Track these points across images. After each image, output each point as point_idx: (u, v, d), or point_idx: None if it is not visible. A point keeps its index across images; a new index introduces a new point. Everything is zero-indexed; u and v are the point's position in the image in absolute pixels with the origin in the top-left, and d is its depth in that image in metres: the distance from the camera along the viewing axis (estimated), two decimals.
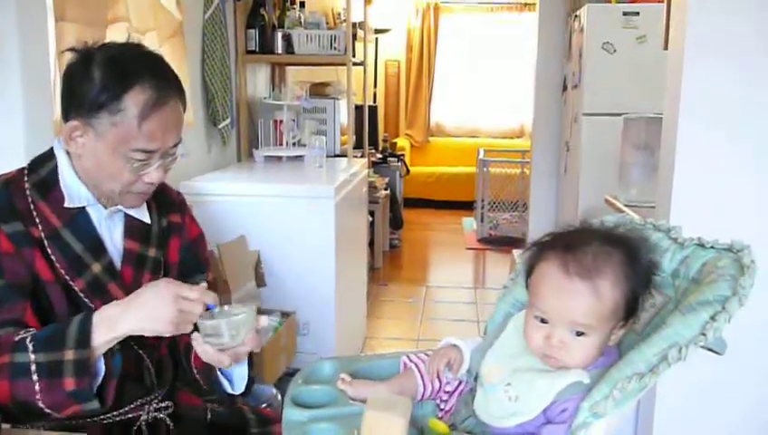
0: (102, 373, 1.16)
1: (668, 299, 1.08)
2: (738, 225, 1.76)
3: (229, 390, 1.35)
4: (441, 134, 8.39)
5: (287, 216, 2.69)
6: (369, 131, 5.13)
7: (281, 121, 3.43)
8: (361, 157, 4.32)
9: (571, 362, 1.02)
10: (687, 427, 2.00)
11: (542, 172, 4.55)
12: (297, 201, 2.69)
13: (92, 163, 1.26)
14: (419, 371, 1.17)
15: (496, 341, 1.13)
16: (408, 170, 6.79)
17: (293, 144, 3.45)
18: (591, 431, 0.95)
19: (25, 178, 1.28)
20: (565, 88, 4.13)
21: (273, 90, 3.64)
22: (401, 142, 7.74)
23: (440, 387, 1.18)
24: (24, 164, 1.32)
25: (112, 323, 1.14)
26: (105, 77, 1.20)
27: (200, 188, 2.71)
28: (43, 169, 1.29)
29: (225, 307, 1.24)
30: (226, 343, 1.18)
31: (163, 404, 1.37)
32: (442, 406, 1.18)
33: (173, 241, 1.44)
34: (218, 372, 1.32)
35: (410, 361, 1.19)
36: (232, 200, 2.72)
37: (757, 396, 1.98)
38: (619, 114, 2.51)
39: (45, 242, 1.24)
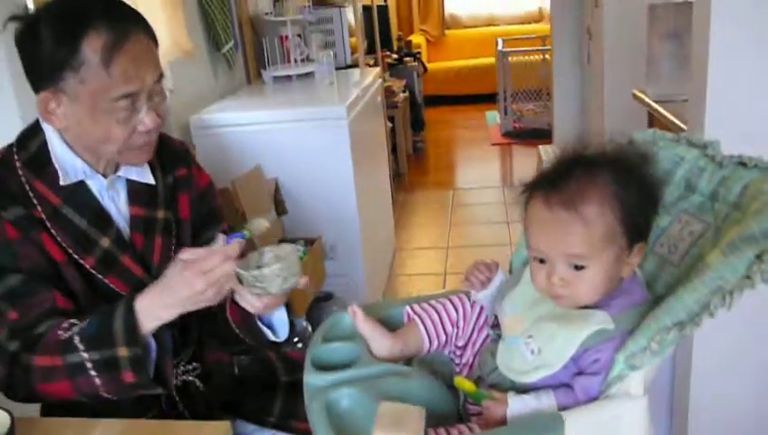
0: (155, 351, 1.16)
1: (707, 226, 0.99)
2: None
3: (272, 337, 1.30)
4: (457, 26, 8.09)
5: (301, 140, 2.61)
6: (381, 33, 4.93)
7: (286, 38, 3.28)
8: (374, 64, 4.16)
9: (579, 298, 0.95)
10: (727, 369, 1.89)
11: (564, 61, 4.34)
12: (309, 124, 2.60)
13: (79, 132, 1.19)
14: (423, 323, 1.11)
15: (515, 289, 1.05)
16: (425, 68, 6.58)
17: (302, 60, 3.31)
18: (628, 383, 0.89)
19: (15, 157, 1.20)
20: None
21: (276, 4, 3.47)
22: (416, 39, 7.46)
23: (447, 339, 1.12)
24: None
25: (154, 313, 1.12)
26: (54, 34, 1.11)
27: (211, 121, 2.62)
28: (32, 145, 1.22)
29: (266, 250, 1.20)
30: (275, 287, 1.14)
31: (190, 366, 1.35)
32: (457, 360, 1.13)
33: (182, 197, 1.37)
34: (258, 322, 1.28)
35: (414, 312, 1.12)
36: (244, 130, 2.63)
37: None
38: None
39: (48, 223, 1.18)
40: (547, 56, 5.54)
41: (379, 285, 3.23)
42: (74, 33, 1.11)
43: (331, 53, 3.25)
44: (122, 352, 1.09)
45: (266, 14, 3.44)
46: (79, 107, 1.15)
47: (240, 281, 1.13)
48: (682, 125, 1.81)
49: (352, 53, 3.83)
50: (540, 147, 4.26)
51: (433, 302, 1.14)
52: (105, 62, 1.11)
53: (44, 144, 1.21)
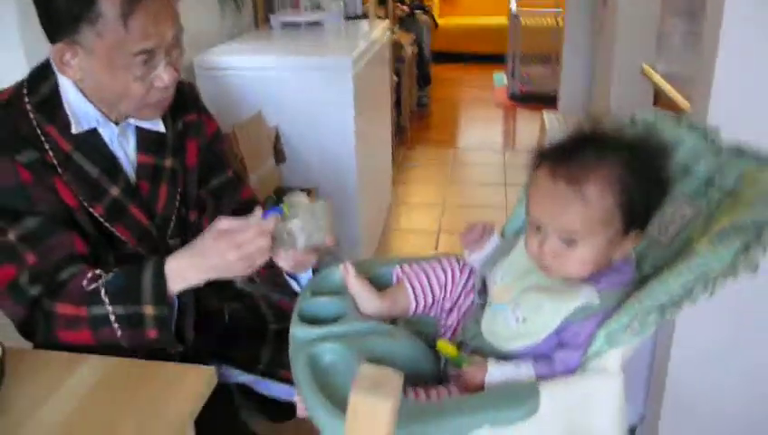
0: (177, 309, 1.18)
1: (699, 211, 1.00)
2: None
3: (296, 288, 1.31)
4: None
5: (305, 89, 2.59)
6: None
7: None
8: (385, 16, 4.10)
9: (567, 272, 0.97)
10: (705, 363, 1.91)
11: (575, 27, 4.29)
12: (314, 73, 2.57)
13: (95, 85, 1.17)
14: (411, 284, 1.12)
15: (506, 258, 1.07)
16: (436, 24, 6.49)
17: (312, 8, 3.27)
18: (605, 359, 0.91)
19: (26, 100, 1.17)
20: None
21: None
22: None
23: (433, 302, 1.13)
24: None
25: (184, 274, 1.13)
26: None
27: (215, 63, 2.60)
28: (43, 87, 1.19)
29: (295, 197, 1.20)
30: (301, 242, 1.17)
31: None
32: (442, 322, 1.14)
33: (190, 144, 1.36)
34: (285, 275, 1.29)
35: (403, 272, 1.14)
36: (248, 74, 2.60)
37: None
38: None
39: (59, 169, 1.17)
40: (560, 20, 5.46)
41: (373, 239, 3.25)
42: None
43: (342, 2, 3.20)
44: (148, 309, 1.11)
45: None
46: (95, 60, 1.12)
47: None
48: (686, 103, 1.80)
49: (363, 3, 3.78)
50: (544, 112, 4.24)
51: (423, 263, 1.15)
52: (123, 16, 1.08)
53: (56, 88, 1.19)
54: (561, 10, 5.02)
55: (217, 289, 1.36)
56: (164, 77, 1.17)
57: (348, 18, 3.46)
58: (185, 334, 1.20)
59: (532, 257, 1.00)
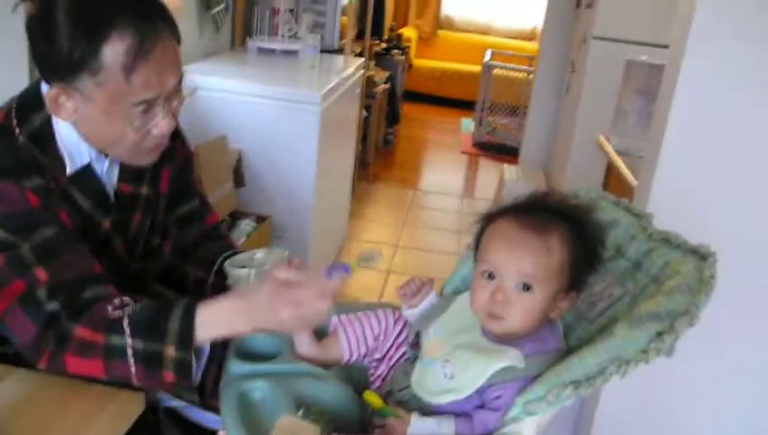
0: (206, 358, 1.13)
1: (626, 292, 1.06)
2: (727, 187, 1.71)
3: None
4: (450, 27, 8.12)
5: (272, 117, 2.62)
6: (374, 20, 4.92)
7: (278, 11, 3.28)
8: (360, 54, 4.17)
9: (514, 320, 1.01)
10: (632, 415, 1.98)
11: (544, 86, 4.43)
12: (282, 104, 2.61)
13: (90, 129, 1.11)
14: (346, 335, 1.15)
15: (442, 315, 1.11)
16: (410, 65, 6.60)
17: (289, 37, 3.31)
18: (521, 426, 0.95)
19: (16, 129, 1.09)
20: (579, 4, 3.93)
21: None
22: (408, 32, 7.48)
23: (366, 353, 1.17)
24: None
25: (219, 326, 1.06)
26: (73, 30, 1.01)
27: (186, 81, 2.60)
28: (35, 119, 1.11)
29: (258, 253, 1.22)
30: None
31: None
32: (372, 371, 1.18)
33: (165, 170, 1.34)
34: None
35: (339, 321, 1.17)
36: (217, 96, 2.62)
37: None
38: (633, 42, 2.36)
39: (59, 199, 1.11)
40: (531, 76, 5.61)
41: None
42: (96, 33, 1.01)
43: (319, 36, 3.26)
44: (170, 350, 1.04)
45: None
46: (92, 107, 1.07)
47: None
48: (633, 180, 1.88)
49: (341, 38, 3.83)
50: (505, 166, 4.34)
51: (360, 313, 1.19)
52: (127, 69, 1.03)
53: (48, 121, 1.12)
54: (532, 68, 5.16)
55: None
56: (162, 125, 1.12)
57: (324, 51, 3.51)
58: (206, 385, 1.13)
59: (479, 309, 1.04)
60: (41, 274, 1.05)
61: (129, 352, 1.04)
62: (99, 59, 1.01)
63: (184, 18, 2.84)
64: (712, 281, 0.92)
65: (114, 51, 1.01)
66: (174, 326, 1.04)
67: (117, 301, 1.08)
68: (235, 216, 2.53)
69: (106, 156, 1.19)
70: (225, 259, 1.25)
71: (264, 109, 2.62)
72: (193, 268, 1.38)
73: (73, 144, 1.13)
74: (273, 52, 3.28)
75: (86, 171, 1.16)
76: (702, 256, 0.98)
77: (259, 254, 1.22)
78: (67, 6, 1.01)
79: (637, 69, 2.23)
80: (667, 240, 1.05)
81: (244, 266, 1.18)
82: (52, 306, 1.05)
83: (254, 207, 2.68)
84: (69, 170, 1.12)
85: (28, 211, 1.06)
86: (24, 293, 1.04)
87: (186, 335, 1.04)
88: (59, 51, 1.01)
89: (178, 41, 1.12)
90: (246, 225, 2.45)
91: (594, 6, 3.43)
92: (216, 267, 1.33)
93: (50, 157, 1.11)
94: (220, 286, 1.27)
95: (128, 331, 1.04)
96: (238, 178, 2.62)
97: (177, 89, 1.13)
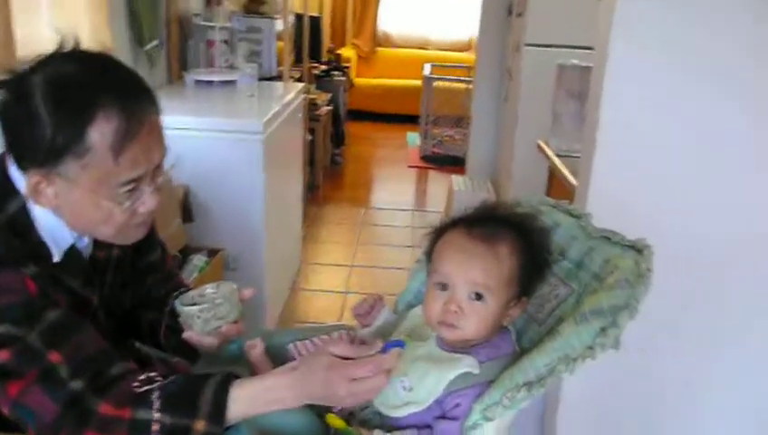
0: None
1: (571, 291, 1.09)
2: (662, 181, 1.76)
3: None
4: (388, 44, 8.22)
5: (215, 149, 2.61)
6: (311, 44, 4.96)
7: (213, 43, 3.28)
8: (300, 78, 4.19)
9: (467, 328, 1.04)
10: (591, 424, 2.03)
11: (484, 95, 4.50)
12: (225, 135, 2.60)
13: (73, 213, 1.06)
14: None
15: (396, 331, 1.13)
16: (352, 84, 6.65)
17: (226, 68, 3.31)
18: (482, 432, 0.97)
19: None
20: (510, 13, 4.02)
21: (206, 7, 3.46)
22: (347, 52, 7.53)
23: None
24: None
25: (281, 395, 1.01)
26: (55, 114, 0.96)
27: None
28: (9, 206, 1.05)
29: (208, 289, 1.21)
30: (197, 327, 1.17)
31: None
32: None
33: None
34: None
35: (296, 349, 1.19)
36: None
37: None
38: (565, 46, 2.43)
39: (53, 287, 1.06)
40: (470, 86, 5.70)
41: (281, 299, 3.25)
42: (80, 115, 0.97)
43: (256, 65, 3.26)
44: (199, 425, 0.99)
45: (195, 15, 3.43)
46: (77, 190, 1.02)
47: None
48: (574, 181, 1.93)
49: (279, 64, 3.85)
50: (453, 177, 4.40)
51: (316, 339, 1.20)
52: (115, 151, 0.99)
53: (24, 207, 1.06)
54: (472, 78, 5.24)
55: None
56: (149, 203, 1.08)
57: (263, 79, 3.51)
58: None
59: (432, 319, 1.07)
60: (54, 356, 1.00)
61: (155, 427, 0.99)
62: (85, 141, 0.97)
63: (116, 55, 2.82)
64: (648, 274, 0.96)
65: (101, 132, 0.97)
66: (206, 399, 1.00)
67: (143, 376, 1.04)
68: (186, 251, 2.50)
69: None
70: (176, 298, 1.24)
71: (206, 142, 2.60)
72: (145, 312, 1.37)
73: (54, 228, 1.08)
74: (210, 84, 3.27)
75: (71, 252, 1.12)
76: (639, 249, 1.02)
77: (209, 289, 1.21)
78: (45, 89, 0.97)
79: (569, 72, 2.29)
80: (606, 238, 1.09)
81: (195, 304, 1.18)
82: (77, 385, 1.00)
83: (204, 241, 2.67)
84: (56, 257, 1.08)
85: (28, 300, 1.01)
86: (42, 374, 0.99)
87: (218, 409, 0.99)
88: (40, 137, 0.97)
89: (159, 113, 1.08)
90: (198, 259, 2.43)
91: (524, 15, 3.51)
92: (167, 308, 1.32)
93: (30, 244, 1.06)
94: (174, 327, 1.26)
95: (156, 404, 1.00)
96: (186, 214, 2.60)
97: (161, 165, 1.10)
